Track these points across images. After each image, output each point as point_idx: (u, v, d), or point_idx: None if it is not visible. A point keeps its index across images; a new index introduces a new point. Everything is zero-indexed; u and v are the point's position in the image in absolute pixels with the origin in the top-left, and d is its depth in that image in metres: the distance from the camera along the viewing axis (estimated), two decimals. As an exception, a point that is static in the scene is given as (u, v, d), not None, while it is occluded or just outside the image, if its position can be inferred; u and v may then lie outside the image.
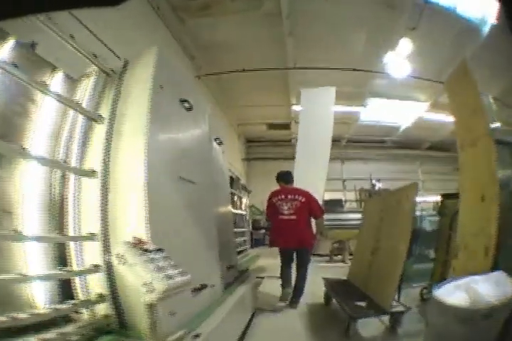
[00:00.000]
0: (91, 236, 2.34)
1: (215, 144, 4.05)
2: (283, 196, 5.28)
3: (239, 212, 7.63)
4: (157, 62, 2.62)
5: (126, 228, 2.24)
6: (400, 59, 9.28)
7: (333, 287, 4.79)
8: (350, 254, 9.32)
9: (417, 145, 17.08)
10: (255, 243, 14.75)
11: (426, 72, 9.97)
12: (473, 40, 7.63)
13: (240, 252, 7.33)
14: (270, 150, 17.39)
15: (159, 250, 1.91)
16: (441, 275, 4.53)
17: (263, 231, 15.70)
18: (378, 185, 14.61)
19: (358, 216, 9.75)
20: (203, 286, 2.70)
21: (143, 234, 2.12)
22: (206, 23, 8.08)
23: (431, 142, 16.67)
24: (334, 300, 4.63)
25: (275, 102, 13.13)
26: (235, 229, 7.40)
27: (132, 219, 2.24)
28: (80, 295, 2.34)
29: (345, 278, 5.38)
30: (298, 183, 5.84)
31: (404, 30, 8.30)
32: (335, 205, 12.20)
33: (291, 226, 5.12)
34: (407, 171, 14.96)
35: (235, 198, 7.92)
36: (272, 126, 15.69)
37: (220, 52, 9.45)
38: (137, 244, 1.85)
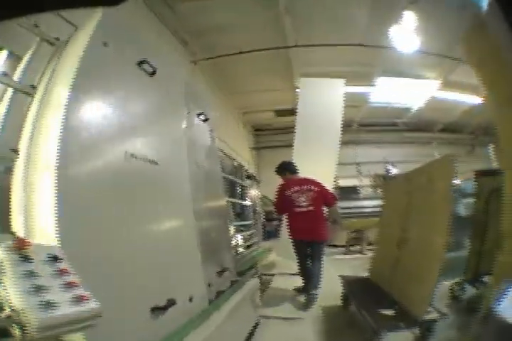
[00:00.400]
0: (12, 237, 1.65)
1: (196, 120, 3.28)
2: (297, 187, 5.02)
3: (244, 202, 6.87)
4: (102, 20, 1.94)
5: (39, 226, 1.54)
6: (405, 33, 8.53)
7: (352, 287, 4.01)
8: (369, 244, 8.75)
9: (430, 127, 16.19)
10: (268, 235, 14.27)
11: (433, 48, 9.25)
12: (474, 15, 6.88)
13: (248, 247, 6.61)
14: (280, 138, 16.46)
15: (54, 258, 1.18)
16: (475, 269, 3.90)
17: (276, 222, 15.18)
18: (393, 170, 13.83)
19: (376, 202, 9.05)
20: (170, 303, 1.97)
21: (51, 233, 1.44)
22: (196, 7, 7.50)
23: (443, 124, 15.81)
24: (354, 304, 3.87)
25: (280, 86, 12.29)
26: (241, 222, 6.69)
27: (42, 214, 1.53)
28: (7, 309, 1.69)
29: (365, 274, 4.62)
30: (304, 172, 5.47)
31: (405, 2, 7.61)
32: (350, 192, 11.41)
33: (311, 218, 4.90)
34: (421, 155, 14.05)
35: (239, 187, 7.18)
36: (279, 113, 14.78)
37: (215, 36, 8.77)
38: (18, 247, 1.12)
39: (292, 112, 14.24)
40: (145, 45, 2.45)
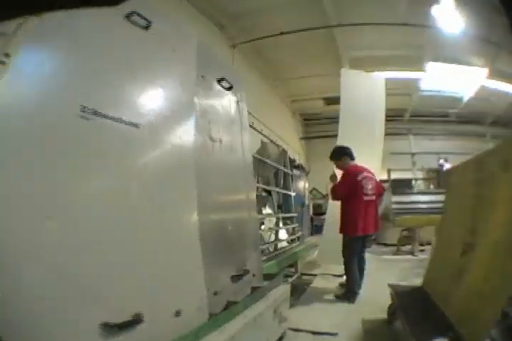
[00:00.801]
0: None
1: (216, 86, 2.69)
2: (365, 174, 4.75)
3: (288, 192, 6.19)
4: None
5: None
6: (447, 13, 8.01)
7: (402, 300, 3.24)
8: (421, 245, 8.02)
9: (481, 119, 15.31)
10: (316, 230, 13.88)
11: (476, 32, 8.61)
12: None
13: (291, 242, 5.98)
14: (330, 128, 15.78)
15: None
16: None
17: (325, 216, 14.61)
18: (446, 165, 12.92)
19: (432, 198, 8.34)
20: (136, 319, 1.42)
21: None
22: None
23: (494, 116, 14.82)
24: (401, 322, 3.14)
25: (327, 72, 11.52)
26: (283, 214, 6.08)
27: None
28: None
29: (417, 280, 3.88)
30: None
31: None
32: (403, 186, 10.47)
33: (373, 208, 4.77)
34: (473, 148, 13.02)
35: (282, 176, 6.57)
36: (329, 101, 14.00)
37: (252, 18, 8.42)
38: None
39: (342, 100, 13.76)
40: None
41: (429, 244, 8.29)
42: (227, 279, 2.34)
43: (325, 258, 6.12)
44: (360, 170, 4.76)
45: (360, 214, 4.58)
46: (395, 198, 8.73)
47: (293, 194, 6.12)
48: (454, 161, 12.62)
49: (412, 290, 3.49)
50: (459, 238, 2.93)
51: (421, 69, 11.18)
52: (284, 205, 6.38)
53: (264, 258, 3.92)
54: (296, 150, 14.74)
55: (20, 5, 1.19)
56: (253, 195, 3.13)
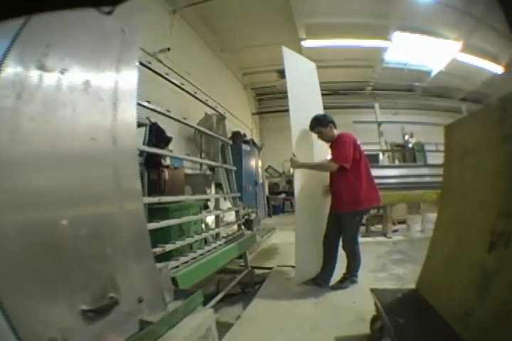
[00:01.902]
0: None
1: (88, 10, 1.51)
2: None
3: (225, 166, 4.92)
4: None
5: None
6: None
7: (393, 313, 2.16)
8: (393, 224, 7.41)
9: (450, 94, 14.89)
10: (274, 211, 13.85)
11: (454, 2, 8.40)
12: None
13: (238, 227, 4.77)
14: (284, 103, 15.07)
15: None
16: None
17: (283, 195, 14.52)
18: (411, 141, 12.97)
19: (402, 171, 7.69)
20: None
21: None
22: None
23: (465, 92, 14.41)
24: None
25: (281, 40, 10.48)
26: (215, 195, 5.00)
27: None
28: None
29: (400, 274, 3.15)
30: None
31: None
32: (369, 159, 9.70)
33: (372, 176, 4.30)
34: (441, 124, 12.76)
35: (220, 145, 5.47)
36: (283, 74, 13.13)
37: None
38: None
39: (297, 72, 13.02)
40: None
41: (401, 223, 7.53)
42: (72, 317, 1.20)
43: (305, 272, 4.20)
44: (352, 135, 4.23)
45: (365, 182, 4.06)
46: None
47: (233, 168, 4.92)
48: (419, 136, 12.34)
49: (404, 296, 2.43)
50: (482, 224, 1.88)
51: (386, 39, 10.58)
52: (227, 183, 5.25)
53: (190, 257, 2.80)
54: (248, 126, 14.04)
55: (18, 5, 0.98)
56: (133, 175, 1.87)
